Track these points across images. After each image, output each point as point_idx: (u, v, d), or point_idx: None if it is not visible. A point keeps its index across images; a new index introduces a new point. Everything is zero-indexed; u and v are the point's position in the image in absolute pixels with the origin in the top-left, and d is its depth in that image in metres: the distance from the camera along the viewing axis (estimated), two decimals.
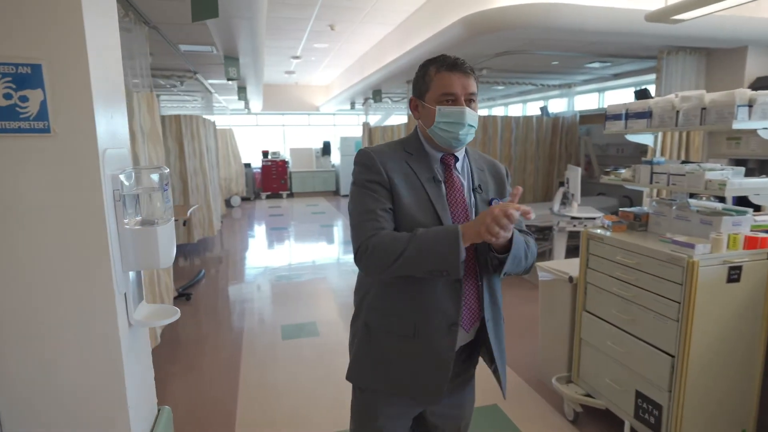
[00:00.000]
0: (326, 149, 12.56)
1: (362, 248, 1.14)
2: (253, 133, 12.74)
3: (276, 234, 7.89)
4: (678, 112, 2.07)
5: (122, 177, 0.97)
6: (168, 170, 1.08)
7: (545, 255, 5.43)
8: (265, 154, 11.75)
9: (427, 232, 1.12)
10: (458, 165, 1.28)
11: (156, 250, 1.00)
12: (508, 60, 5.31)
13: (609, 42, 4.27)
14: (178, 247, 6.12)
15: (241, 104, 9.53)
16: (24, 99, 0.86)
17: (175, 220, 4.25)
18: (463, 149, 1.31)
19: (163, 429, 1.19)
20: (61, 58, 0.87)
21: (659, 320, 2.03)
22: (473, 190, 1.26)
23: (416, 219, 1.17)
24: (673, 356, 1.98)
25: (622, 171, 2.41)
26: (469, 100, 1.19)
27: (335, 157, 12.51)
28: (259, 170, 11.86)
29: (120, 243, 0.98)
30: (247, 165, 11.52)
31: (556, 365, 2.75)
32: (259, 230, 8.29)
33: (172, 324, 3.76)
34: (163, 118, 5.54)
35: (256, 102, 9.91)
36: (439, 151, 1.26)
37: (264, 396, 2.78)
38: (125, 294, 1.01)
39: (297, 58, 8.20)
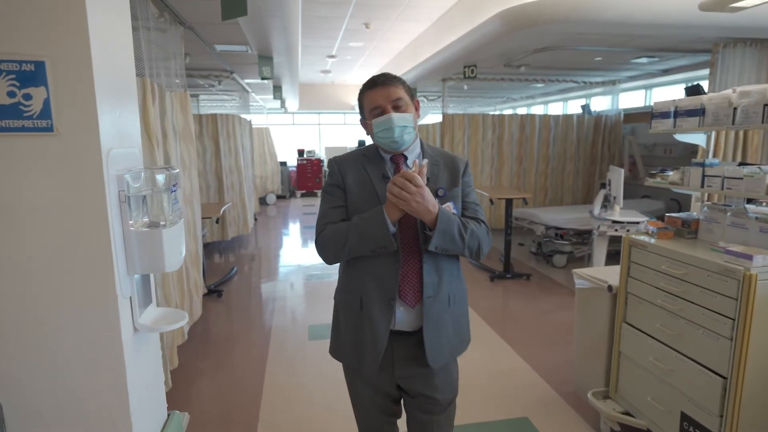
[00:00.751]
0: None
1: (317, 243, 1.38)
2: (289, 131, 12.93)
3: (309, 232, 7.94)
4: (735, 108, 1.88)
5: (128, 177, 0.94)
6: (177, 170, 1.04)
7: (584, 260, 5.19)
8: (300, 152, 11.88)
9: (361, 217, 1.32)
10: (409, 162, 1.43)
11: (161, 253, 0.96)
12: (548, 56, 5.10)
13: (657, 35, 4.01)
14: (212, 243, 6.25)
15: (278, 103, 9.66)
16: (27, 97, 0.84)
17: (209, 218, 4.32)
18: (417, 147, 1.45)
19: None
20: (64, 56, 0.84)
21: (709, 337, 1.85)
22: None
23: (363, 209, 1.35)
24: (725, 378, 1.80)
25: (670, 173, 2.23)
26: (397, 106, 1.33)
27: None
28: (294, 169, 12.01)
29: (125, 245, 0.95)
30: (283, 163, 11.68)
31: (592, 379, 2.58)
32: (293, 228, 8.38)
33: (201, 320, 3.82)
34: (200, 117, 5.66)
35: (292, 101, 10.03)
36: (389, 153, 1.42)
37: (287, 397, 2.76)
38: (130, 298, 0.98)
39: (332, 57, 8.22)
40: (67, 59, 0.84)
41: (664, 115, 2.19)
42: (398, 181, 1.22)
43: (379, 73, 1.40)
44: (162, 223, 0.98)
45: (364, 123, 1.43)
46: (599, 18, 3.18)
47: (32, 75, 0.83)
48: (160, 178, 0.96)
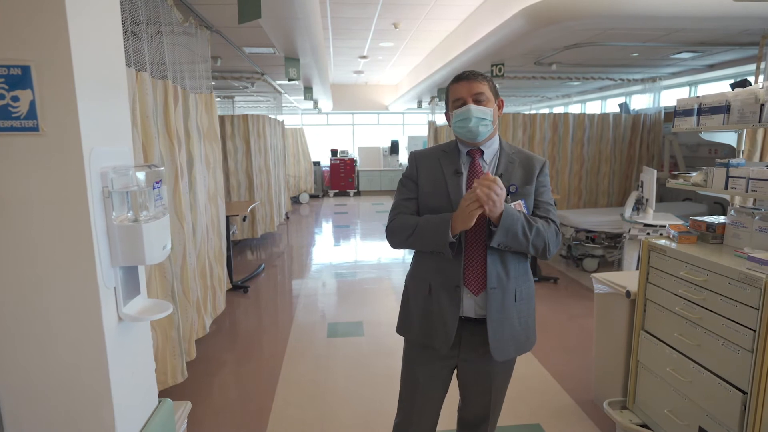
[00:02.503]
0: (394, 148, 12.59)
1: (388, 229, 1.54)
2: (323, 132, 13.13)
3: (340, 232, 8.04)
4: (763, 105, 1.76)
5: (111, 174, 0.99)
6: (162, 169, 1.09)
7: (614, 264, 4.98)
8: (333, 152, 12.03)
9: (428, 221, 1.43)
10: (486, 157, 1.51)
11: (141, 246, 1.01)
12: (581, 53, 4.93)
13: (697, 29, 3.79)
14: (243, 241, 6.44)
15: (312, 104, 9.83)
16: (15, 99, 0.90)
17: (236, 216, 4.46)
18: (496, 144, 1.53)
19: (161, 421, 1.21)
20: (47, 60, 0.90)
21: (730, 349, 1.74)
22: None
23: (432, 204, 1.48)
24: (745, 393, 1.69)
25: (693, 174, 2.11)
26: (478, 100, 1.43)
27: (403, 156, 12.50)
28: (327, 168, 12.18)
29: (109, 239, 1.00)
30: (317, 163, 11.87)
31: (610, 387, 2.49)
32: (323, 227, 8.50)
33: (226, 315, 3.94)
34: (231, 117, 5.85)
35: (325, 102, 10.17)
36: (467, 146, 1.51)
37: (300, 393, 2.81)
38: (114, 288, 1.03)
39: (364, 57, 8.27)
40: (50, 64, 0.90)
41: (687, 112, 2.07)
42: (485, 183, 1.28)
43: (465, 71, 1.48)
44: (143, 218, 1.02)
45: (448, 115, 1.52)
46: (627, 12, 3.04)
47: (19, 78, 0.90)
48: (140, 175, 1.01)
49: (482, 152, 1.50)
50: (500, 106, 1.50)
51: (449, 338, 1.47)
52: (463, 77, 1.45)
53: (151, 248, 1.03)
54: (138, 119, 2.16)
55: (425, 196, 1.50)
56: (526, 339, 1.53)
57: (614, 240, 5.12)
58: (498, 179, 1.30)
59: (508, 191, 1.43)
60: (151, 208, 1.04)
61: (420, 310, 1.54)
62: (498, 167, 1.49)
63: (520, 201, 1.44)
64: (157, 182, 1.06)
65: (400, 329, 1.63)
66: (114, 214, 1.00)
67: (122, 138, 1.11)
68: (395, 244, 1.52)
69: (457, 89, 1.45)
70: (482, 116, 1.41)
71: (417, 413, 1.62)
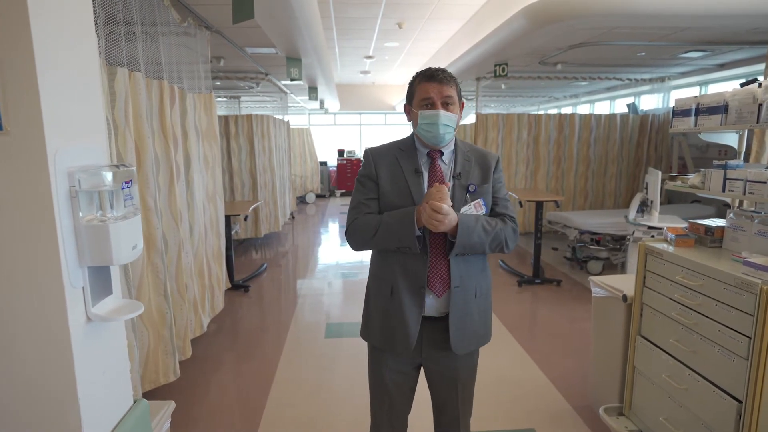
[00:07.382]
0: None
1: (348, 230, 1.50)
2: (331, 132, 13.15)
3: (344, 231, 8.02)
4: (761, 105, 1.71)
5: (79, 174, 0.98)
6: (133, 168, 1.08)
7: (617, 268, 4.91)
8: (340, 153, 12.05)
9: (391, 215, 1.41)
10: (444, 157, 1.50)
11: (108, 246, 1.00)
12: (586, 52, 4.87)
13: (704, 27, 3.71)
14: (248, 240, 6.43)
15: (319, 105, 9.84)
16: None
17: (238, 215, 4.47)
18: (452, 144, 1.52)
19: (134, 422, 1.20)
20: (9, 59, 0.89)
21: (725, 356, 1.69)
22: (453, 177, 1.48)
23: (395, 203, 1.45)
24: (740, 401, 1.64)
25: (691, 176, 2.06)
26: (446, 104, 1.41)
27: None
28: (334, 168, 12.20)
29: (76, 239, 1.00)
30: (323, 163, 11.90)
31: (607, 393, 2.44)
32: (329, 227, 8.50)
33: (226, 314, 3.95)
34: (235, 117, 5.87)
35: (331, 102, 10.18)
36: (427, 147, 1.49)
37: (294, 393, 2.80)
38: (83, 288, 1.03)
39: (370, 57, 8.27)
40: (12, 62, 0.89)
41: (686, 113, 2.02)
42: (427, 211, 1.31)
43: (435, 67, 1.47)
44: (111, 218, 1.01)
45: (409, 109, 1.49)
46: (628, 11, 2.98)
47: None
48: (108, 175, 1.00)
49: (441, 153, 1.49)
50: (461, 109, 1.49)
51: (411, 341, 1.46)
52: (436, 78, 1.41)
53: (120, 248, 1.02)
54: (130, 119, 2.17)
55: (386, 195, 1.47)
56: (484, 332, 1.57)
57: (619, 242, 5.04)
58: (440, 206, 1.30)
59: (467, 190, 1.45)
60: (119, 207, 1.03)
61: (380, 312, 1.52)
62: (456, 167, 1.49)
63: (479, 200, 1.45)
64: (127, 182, 1.05)
65: (363, 333, 1.61)
66: (81, 213, 0.99)
67: (94, 136, 1.10)
68: (357, 245, 1.50)
69: (428, 89, 1.41)
70: (448, 123, 1.41)
71: (389, 417, 1.60)
